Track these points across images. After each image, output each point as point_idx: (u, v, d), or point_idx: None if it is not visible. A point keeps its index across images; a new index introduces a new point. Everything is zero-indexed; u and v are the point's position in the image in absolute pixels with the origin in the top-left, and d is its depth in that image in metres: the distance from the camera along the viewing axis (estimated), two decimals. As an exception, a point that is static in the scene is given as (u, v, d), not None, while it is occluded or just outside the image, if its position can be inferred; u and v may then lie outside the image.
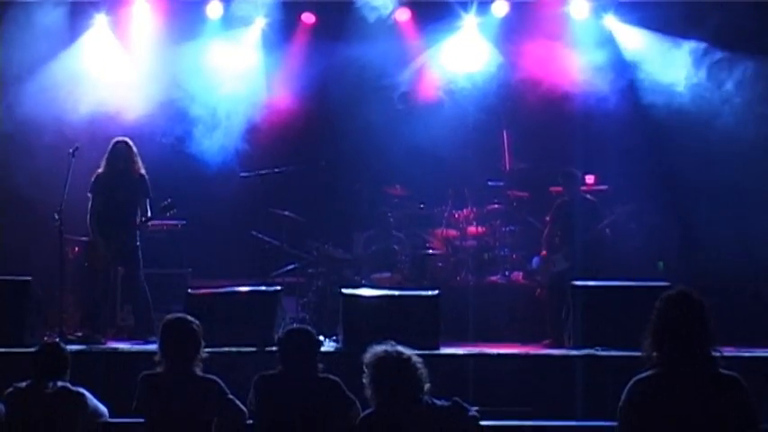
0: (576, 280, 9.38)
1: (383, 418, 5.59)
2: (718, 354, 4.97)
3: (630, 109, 11.06)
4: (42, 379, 6.51)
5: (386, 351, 5.67)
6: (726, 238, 10.50)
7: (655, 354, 5.02)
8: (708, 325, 5.01)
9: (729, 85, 10.83)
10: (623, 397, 5.00)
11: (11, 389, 6.54)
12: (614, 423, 5.05)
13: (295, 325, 7.73)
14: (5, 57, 11.22)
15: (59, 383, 6.51)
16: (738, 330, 8.68)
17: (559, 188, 11.03)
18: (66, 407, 6.46)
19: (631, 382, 5.01)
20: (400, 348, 5.70)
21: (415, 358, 5.69)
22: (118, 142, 9.98)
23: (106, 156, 9.98)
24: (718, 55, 10.91)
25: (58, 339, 6.99)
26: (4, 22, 11.10)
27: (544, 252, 10.76)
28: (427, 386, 5.66)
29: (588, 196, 10.85)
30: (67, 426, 6.43)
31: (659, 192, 10.97)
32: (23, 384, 6.55)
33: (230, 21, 11.82)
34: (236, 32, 11.94)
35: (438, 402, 5.65)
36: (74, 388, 6.56)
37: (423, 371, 5.67)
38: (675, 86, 10.91)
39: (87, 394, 6.59)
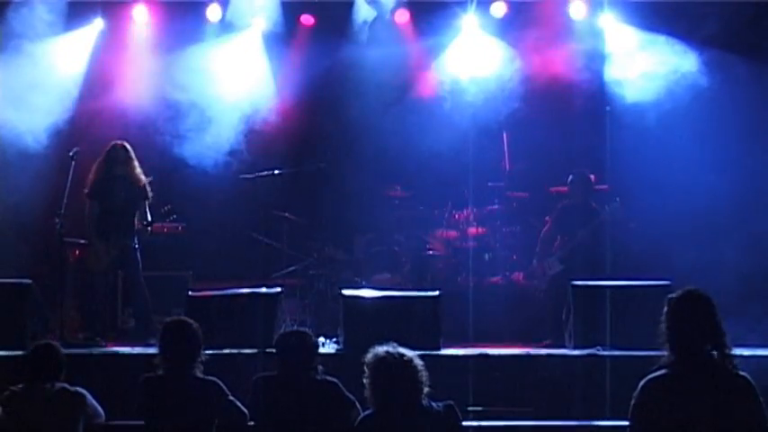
0: (570, 282, 9.41)
1: (381, 419, 5.58)
2: (728, 352, 4.99)
3: (629, 108, 11.05)
4: (38, 381, 6.50)
5: (387, 352, 5.65)
6: (730, 235, 10.55)
7: (668, 354, 5.04)
8: (717, 323, 5.03)
9: (724, 85, 10.85)
10: (636, 396, 5.02)
11: (7, 392, 6.53)
12: (615, 423, 5.07)
13: (292, 327, 7.75)
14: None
15: (57, 384, 6.51)
16: (746, 328, 8.71)
17: (561, 188, 10.99)
18: (67, 407, 6.46)
19: (644, 382, 5.03)
20: (402, 350, 5.68)
21: (416, 360, 5.66)
22: (114, 146, 9.99)
23: (104, 159, 9.98)
24: (714, 54, 10.94)
25: (51, 341, 6.92)
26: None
27: (537, 253, 10.77)
28: (426, 389, 5.64)
29: (594, 204, 10.78)
30: (68, 426, 6.42)
31: (660, 189, 10.96)
32: (19, 387, 6.53)
33: (230, 23, 11.81)
34: (236, 35, 11.93)
35: (434, 405, 5.64)
36: (72, 388, 6.55)
37: (423, 373, 5.65)
38: (672, 85, 10.91)
39: (86, 394, 6.59)
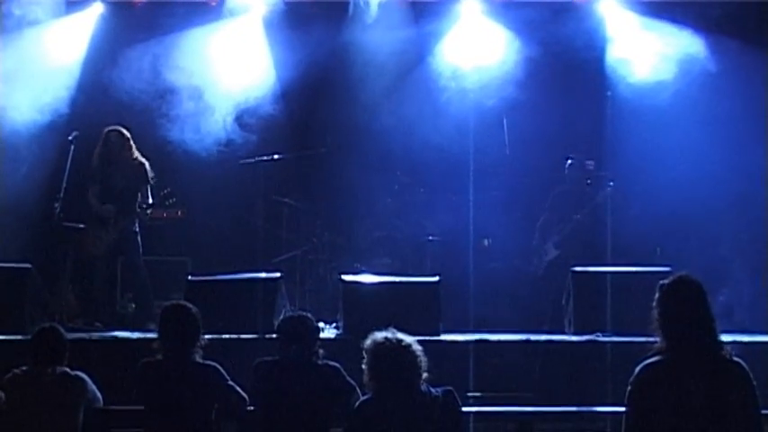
0: (568, 268, 9.41)
1: (379, 404, 5.59)
2: (718, 338, 5.00)
3: (631, 92, 11.01)
4: (40, 364, 6.51)
5: (386, 338, 5.66)
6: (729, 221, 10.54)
7: (661, 340, 5.05)
8: (708, 309, 5.04)
9: (727, 70, 10.81)
10: (631, 383, 5.03)
11: (9, 375, 6.55)
12: (615, 408, 5.07)
13: (294, 312, 7.74)
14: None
15: (59, 369, 6.52)
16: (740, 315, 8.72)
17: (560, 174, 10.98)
18: (67, 392, 6.47)
19: (638, 368, 5.04)
20: (401, 335, 5.69)
21: (415, 346, 5.67)
22: (110, 131, 10.04)
23: (100, 145, 10.03)
24: (717, 40, 10.90)
25: (54, 324, 6.94)
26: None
27: (536, 239, 10.75)
28: (425, 375, 5.65)
29: (588, 188, 10.76)
30: (68, 410, 6.44)
31: (660, 174, 10.94)
32: (22, 370, 6.55)
33: (230, 6, 11.76)
34: (237, 18, 11.87)
35: (433, 391, 5.65)
36: (73, 373, 6.57)
37: (422, 359, 5.66)
38: (674, 71, 10.87)
39: (87, 379, 6.60)
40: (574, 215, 10.49)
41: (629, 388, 5.04)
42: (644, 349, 5.17)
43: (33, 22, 11.08)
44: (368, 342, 5.70)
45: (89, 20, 11.70)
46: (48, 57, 11.30)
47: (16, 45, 11.13)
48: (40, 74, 11.12)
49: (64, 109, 11.04)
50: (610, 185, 10.44)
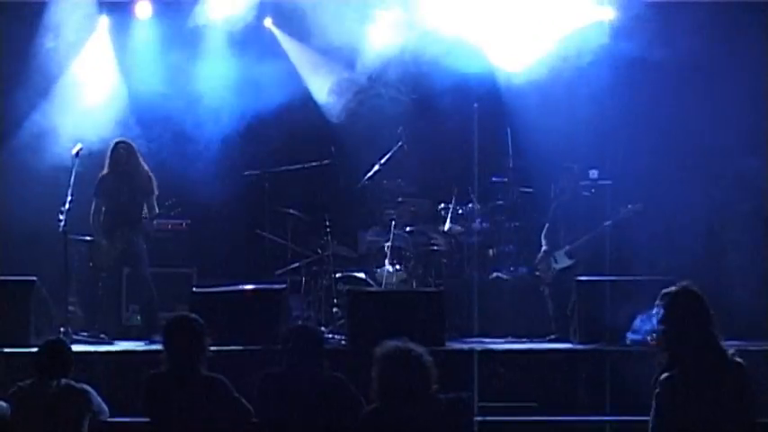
0: (580, 276, 9.42)
1: (386, 413, 5.61)
2: (721, 346, 5.05)
3: (637, 101, 10.97)
4: (46, 377, 6.52)
5: (397, 347, 5.69)
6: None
7: (667, 352, 5.11)
8: (711, 318, 5.09)
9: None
10: (655, 404, 5.07)
11: (14, 388, 6.56)
12: (619, 418, 5.10)
13: (299, 323, 7.76)
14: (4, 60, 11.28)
15: (63, 381, 6.53)
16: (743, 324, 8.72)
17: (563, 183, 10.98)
18: (72, 404, 6.47)
19: (659, 389, 5.08)
20: (412, 345, 5.72)
21: (425, 357, 5.70)
22: (118, 143, 10.12)
23: (108, 157, 10.09)
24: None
25: (60, 338, 6.96)
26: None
27: (544, 247, 10.70)
28: (434, 387, 5.67)
29: (585, 192, 10.75)
30: (73, 423, 6.44)
31: (664, 186, 10.92)
32: (27, 383, 6.56)
33: (232, 21, 11.79)
34: (242, 30, 11.89)
35: (442, 397, 5.67)
36: (78, 385, 6.57)
37: (432, 370, 5.68)
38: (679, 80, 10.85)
39: (92, 391, 6.61)
40: (593, 227, 10.37)
41: (654, 409, 5.08)
42: (648, 358, 5.20)
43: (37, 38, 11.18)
44: (379, 350, 5.73)
45: (102, 35, 11.78)
46: (50, 71, 11.38)
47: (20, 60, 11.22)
48: (40, 90, 11.21)
49: (66, 124, 11.09)
50: (639, 204, 10.35)
